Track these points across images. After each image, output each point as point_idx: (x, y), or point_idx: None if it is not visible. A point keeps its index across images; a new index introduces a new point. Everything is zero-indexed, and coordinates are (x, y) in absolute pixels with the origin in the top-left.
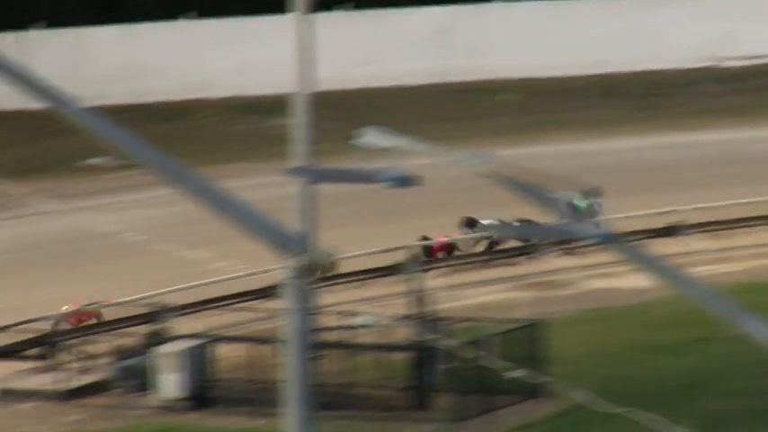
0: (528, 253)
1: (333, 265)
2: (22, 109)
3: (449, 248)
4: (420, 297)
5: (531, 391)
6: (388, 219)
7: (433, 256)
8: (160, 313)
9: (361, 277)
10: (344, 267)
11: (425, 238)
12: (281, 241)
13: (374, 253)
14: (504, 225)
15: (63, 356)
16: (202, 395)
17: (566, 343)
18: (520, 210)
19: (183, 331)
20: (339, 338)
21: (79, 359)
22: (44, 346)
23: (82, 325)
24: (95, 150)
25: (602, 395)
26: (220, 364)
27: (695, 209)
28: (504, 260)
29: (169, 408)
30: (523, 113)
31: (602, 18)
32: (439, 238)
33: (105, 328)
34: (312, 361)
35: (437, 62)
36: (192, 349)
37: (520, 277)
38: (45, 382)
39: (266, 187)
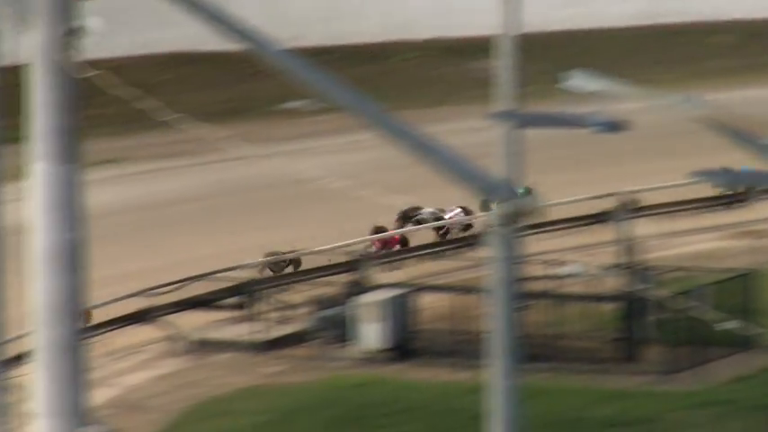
0: (738, 201)
1: (538, 211)
2: (219, 51)
3: (402, 242)
4: (629, 245)
5: (744, 343)
6: (596, 164)
7: (385, 247)
8: (361, 262)
9: (569, 225)
10: (551, 215)
11: (378, 230)
12: (486, 188)
13: (582, 200)
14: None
15: (261, 306)
16: (404, 346)
17: None
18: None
19: (385, 280)
20: (545, 288)
21: (277, 309)
22: (242, 295)
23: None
24: (293, 94)
25: None
26: (422, 315)
27: None
28: (714, 209)
29: (369, 359)
30: (737, 56)
31: None
32: (391, 230)
33: (304, 277)
34: (518, 311)
35: (647, 3)
36: (393, 299)
37: (732, 226)
38: (242, 332)
39: (470, 132)
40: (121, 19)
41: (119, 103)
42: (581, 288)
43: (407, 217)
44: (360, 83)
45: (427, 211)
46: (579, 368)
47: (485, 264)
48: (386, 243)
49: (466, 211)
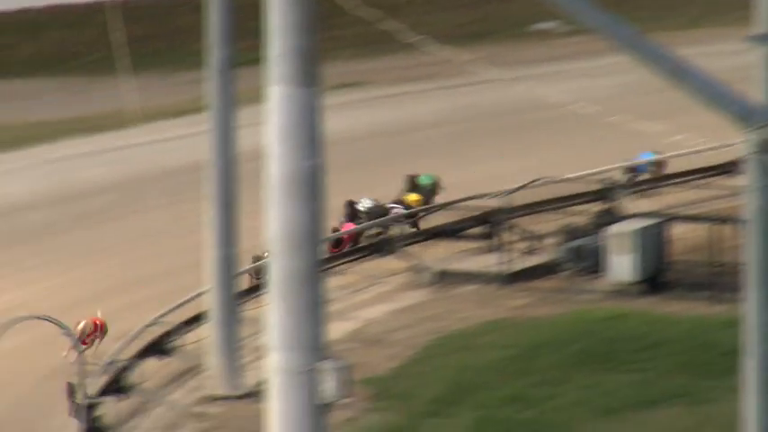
0: None
1: None
2: None
3: (356, 238)
4: None
5: None
6: None
7: (342, 247)
8: (611, 190)
9: None
10: None
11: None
12: (743, 113)
13: None
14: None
15: (507, 236)
16: (656, 278)
17: None
18: None
19: (636, 210)
20: None
21: (524, 239)
22: (487, 225)
23: (89, 337)
24: (543, 14)
25: None
26: (676, 246)
27: None
28: None
29: (620, 292)
30: None
31: None
32: (345, 226)
33: (552, 206)
34: None
35: None
36: (645, 229)
37: None
38: (487, 263)
39: (727, 55)
40: None
41: (361, 24)
42: None
43: (354, 215)
44: (612, 5)
45: (366, 203)
46: None
47: (742, 193)
48: (338, 244)
49: (405, 207)
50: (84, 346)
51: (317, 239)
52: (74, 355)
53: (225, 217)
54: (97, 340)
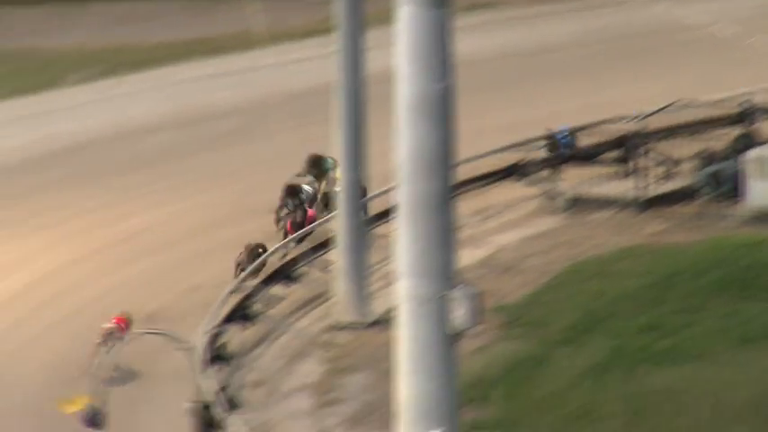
0: None
1: None
2: None
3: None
4: None
5: None
6: None
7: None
8: (751, 114)
9: None
10: None
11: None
12: None
13: None
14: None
15: (643, 161)
16: None
17: None
18: None
19: None
20: None
21: (661, 164)
22: (623, 149)
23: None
24: None
25: None
26: None
27: None
28: None
29: (758, 218)
30: None
31: None
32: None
33: (689, 130)
34: None
35: None
36: None
37: None
38: (623, 188)
39: None
40: None
41: None
42: None
43: (294, 192)
44: None
45: (307, 189)
46: None
47: None
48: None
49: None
50: (106, 348)
51: (447, 163)
52: (97, 359)
53: (353, 140)
54: (115, 344)
